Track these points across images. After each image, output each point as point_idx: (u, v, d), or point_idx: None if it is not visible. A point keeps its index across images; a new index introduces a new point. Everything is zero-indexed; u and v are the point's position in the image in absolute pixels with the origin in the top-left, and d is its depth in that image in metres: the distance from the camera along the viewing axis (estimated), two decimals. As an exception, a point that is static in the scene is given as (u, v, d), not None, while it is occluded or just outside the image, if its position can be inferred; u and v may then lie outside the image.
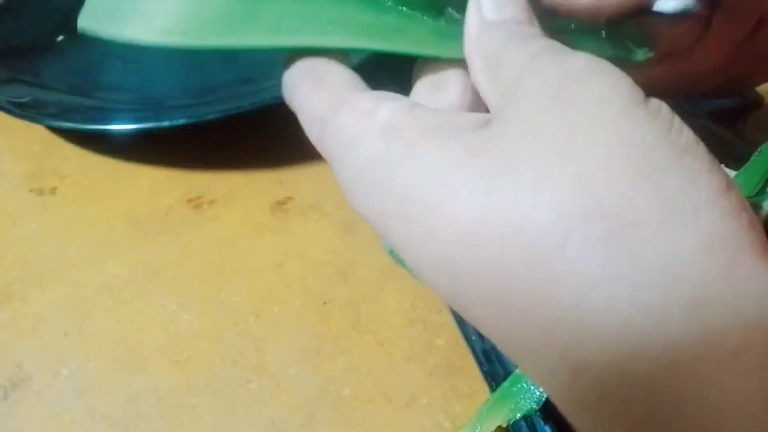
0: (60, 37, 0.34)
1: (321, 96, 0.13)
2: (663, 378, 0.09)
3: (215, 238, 0.26)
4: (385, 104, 0.12)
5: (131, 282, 0.25)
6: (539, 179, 0.11)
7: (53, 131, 0.31)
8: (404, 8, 0.13)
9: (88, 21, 0.13)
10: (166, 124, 0.27)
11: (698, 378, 0.09)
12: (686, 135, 0.11)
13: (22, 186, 0.29)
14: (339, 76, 0.13)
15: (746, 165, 0.20)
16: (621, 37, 0.15)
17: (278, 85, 0.33)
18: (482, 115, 0.12)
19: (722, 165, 0.22)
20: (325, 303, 0.24)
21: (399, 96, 0.13)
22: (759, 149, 0.21)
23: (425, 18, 0.13)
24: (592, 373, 0.10)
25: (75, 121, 0.28)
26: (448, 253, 0.11)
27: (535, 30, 0.13)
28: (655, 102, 0.12)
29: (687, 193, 0.10)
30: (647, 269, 0.10)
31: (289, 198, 0.28)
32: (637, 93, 0.11)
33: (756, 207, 0.19)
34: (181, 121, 0.27)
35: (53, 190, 0.29)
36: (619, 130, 0.11)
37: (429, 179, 0.11)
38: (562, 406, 0.11)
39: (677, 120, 0.11)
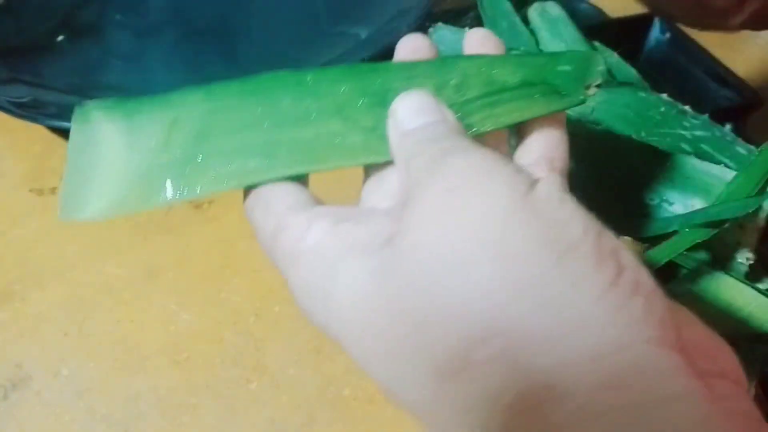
0: (60, 37, 0.34)
1: (269, 220, 0.15)
2: None
3: (215, 238, 0.26)
4: (316, 224, 0.14)
5: (131, 282, 0.25)
6: (440, 299, 0.11)
7: (53, 131, 0.31)
8: (337, 121, 0.14)
9: (67, 212, 0.15)
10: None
11: None
12: (568, 231, 0.11)
13: (22, 186, 0.29)
14: (282, 201, 0.15)
15: (747, 165, 0.20)
16: None
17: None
18: (394, 224, 0.13)
19: (721, 165, 0.22)
20: (325, 303, 0.24)
21: (332, 211, 0.14)
22: (759, 149, 0.21)
23: (359, 127, 0.14)
24: None
25: (75, 121, 0.28)
26: (378, 376, 0.12)
27: (446, 127, 0.14)
28: (539, 192, 0.12)
29: (569, 300, 0.11)
30: (536, 384, 0.10)
31: (289, 198, 0.28)
32: (518, 187, 0.12)
33: (756, 211, 0.19)
34: (181, 121, 0.27)
35: (53, 190, 0.29)
36: (500, 243, 0.11)
37: (349, 305, 0.12)
38: None
39: (562, 212, 0.11)
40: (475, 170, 0.12)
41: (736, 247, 0.20)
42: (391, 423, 0.20)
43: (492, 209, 0.12)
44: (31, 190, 0.29)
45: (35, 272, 0.25)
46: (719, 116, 0.24)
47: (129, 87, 0.31)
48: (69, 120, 0.29)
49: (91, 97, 0.32)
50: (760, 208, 0.19)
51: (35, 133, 0.31)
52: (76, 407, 0.21)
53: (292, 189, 0.15)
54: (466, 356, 0.11)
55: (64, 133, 0.31)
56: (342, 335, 0.13)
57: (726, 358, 0.12)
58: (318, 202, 0.15)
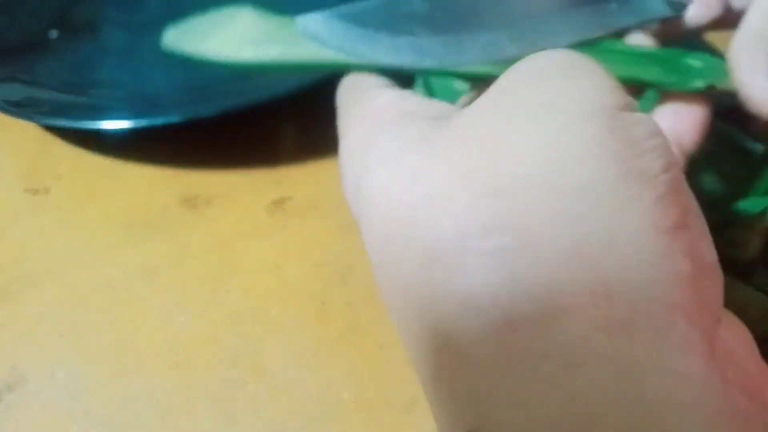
0: (54, 35, 0.34)
1: (354, 93, 0.15)
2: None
3: (212, 239, 0.26)
4: (390, 91, 0.14)
5: (127, 283, 0.24)
6: (454, 182, 0.10)
7: (48, 130, 0.31)
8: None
9: (172, 39, 0.18)
10: (161, 121, 0.26)
11: None
12: (648, 158, 0.10)
13: (16, 186, 0.29)
14: (370, 80, 0.15)
15: (753, 163, 0.20)
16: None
17: (275, 82, 0.33)
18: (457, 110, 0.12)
19: (728, 164, 0.22)
20: (323, 304, 0.23)
21: (411, 93, 0.14)
22: (766, 148, 0.20)
23: None
24: (464, 375, 0.09)
25: (70, 119, 0.28)
26: (377, 245, 0.11)
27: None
28: (633, 115, 0.10)
29: (606, 221, 0.09)
30: (526, 288, 0.09)
31: (287, 198, 0.27)
32: (609, 98, 0.10)
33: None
34: (177, 119, 0.27)
35: (48, 190, 0.28)
36: (556, 131, 0.10)
37: (372, 174, 0.12)
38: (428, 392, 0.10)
39: (650, 141, 0.10)
40: (570, 64, 0.11)
41: (744, 247, 0.19)
42: (391, 427, 0.20)
43: (572, 104, 0.10)
44: (26, 190, 0.29)
45: (30, 273, 0.25)
46: (728, 115, 0.24)
47: (124, 84, 0.31)
48: (63, 118, 0.29)
49: (86, 95, 0.31)
50: (767, 208, 0.18)
51: (30, 131, 0.31)
52: (72, 409, 0.21)
53: (382, 79, 0.15)
54: (460, 244, 0.09)
55: (60, 132, 0.30)
56: (360, 207, 0.12)
57: (758, 377, 0.10)
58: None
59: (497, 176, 0.10)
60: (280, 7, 0.18)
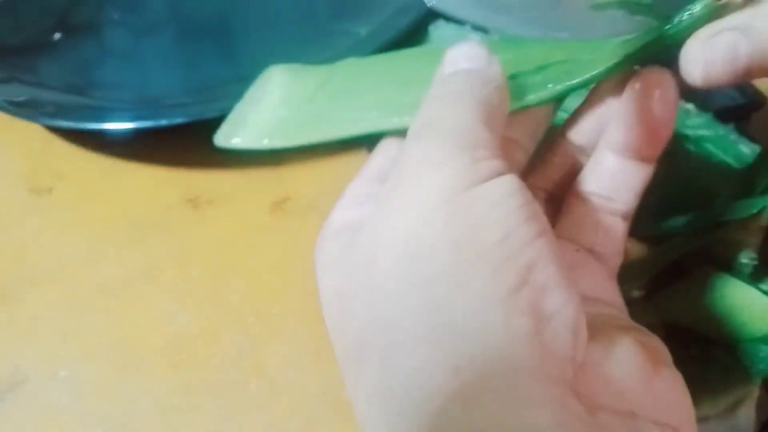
0: (57, 36, 0.34)
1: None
2: None
3: (213, 238, 0.26)
4: (341, 205, 0.15)
5: (129, 282, 0.25)
6: (349, 297, 0.12)
7: (51, 130, 0.31)
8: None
9: (221, 138, 0.19)
10: (164, 122, 0.27)
11: None
12: (485, 232, 0.11)
13: (19, 186, 0.29)
14: (370, 164, 0.15)
15: (749, 164, 0.20)
16: None
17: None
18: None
19: (725, 164, 0.22)
20: (324, 304, 0.23)
21: (363, 193, 0.15)
22: (762, 148, 0.21)
23: None
24: None
25: (72, 119, 0.28)
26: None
27: (473, 78, 0.14)
28: (486, 189, 0.11)
29: (448, 304, 0.10)
30: (399, 387, 0.11)
31: (289, 198, 0.28)
32: (461, 182, 0.11)
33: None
34: (179, 120, 0.27)
35: (50, 190, 0.29)
36: (413, 238, 0.11)
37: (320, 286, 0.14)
38: None
39: (494, 212, 0.11)
40: (427, 159, 0.12)
41: (740, 247, 0.19)
42: (391, 425, 0.20)
43: (419, 204, 0.11)
44: (28, 190, 0.29)
45: (32, 272, 0.25)
46: (723, 115, 0.24)
47: (127, 86, 0.31)
48: (66, 119, 0.29)
49: (89, 96, 0.32)
50: (764, 208, 0.18)
51: (33, 132, 0.31)
52: (73, 409, 0.21)
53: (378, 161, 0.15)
54: (359, 346, 0.11)
55: (62, 132, 0.31)
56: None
57: (643, 397, 0.11)
58: None
59: (375, 278, 0.11)
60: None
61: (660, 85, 0.14)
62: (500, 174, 0.12)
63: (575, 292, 0.11)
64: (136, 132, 0.28)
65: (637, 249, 0.21)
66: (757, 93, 0.27)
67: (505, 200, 0.11)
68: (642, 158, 0.15)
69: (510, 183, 0.12)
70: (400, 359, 0.11)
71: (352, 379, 0.12)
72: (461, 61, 0.14)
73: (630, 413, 0.10)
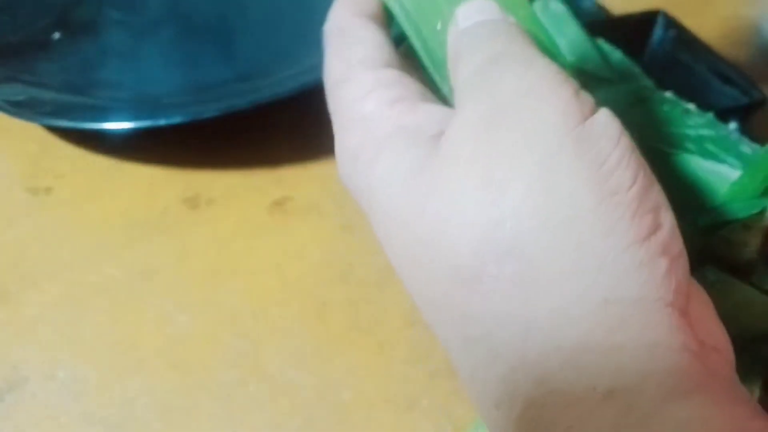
0: (56, 35, 0.34)
1: (337, 65, 0.14)
2: (543, 415, 0.10)
3: (212, 239, 0.26)
4: (377, 93, 0.13)
5: (128, 283, 0.24)
6: (464, 210, 0.11)
7: (49, 130, 0.31)
8: None
9: None
10: (162, 122, 0.27)
11: (569, 422, 0.10)
12: (618, 175, 0.11)
13: (17, 186, 0.29)
14: (360, 47, 0.14)
15: (752, 164, 0.20)
16: None
17: (276, 83, 0.33)
18: (443, 123, 0.13)
19: (726, 164, 0.22)
20: (324, 304, 0.23)
21: (397, 80, 0.14)
22: (764, 148, 0.20)
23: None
24: (493, 396, 0.11)
25: (71, 119, 0.28)
26: (395, 260, 0.13)
27: (506, 27, 0.13)
28: (596, 124, 0.11)
29: (597, 244, 0.11)
30: (541, 314, 0.11)
31: (288, 198, 0.27)
32: (573, 117, 0.11)
33: (760, 215, 0.19)
34: (178, 120, 0.27)
35: (48, 190, 0.28)
36: (542, 169, 0.11)
37: (382, 190, 0.13)
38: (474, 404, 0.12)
39: (616, 152, 0.11)
40: (526, 90, 0.12)
41: (741, 247, 0.19)
42: (391, 426, 0.20)
43: (540, 137, 0.11)
44: (27, 190, 0.29)
45: (31, 273, 0.25)
46: (724, 115, 0.24)
47: (126, 85, 0.31)
48: (65, 118, 0.29)
49: (88, 96, 0.31)
50: (765, 208, 0.18)
51: (31, 132, 0.31)
52: (72, 409, 0.21)
53: (375, 39, 0.14)
54: (480, 267, 0.11)
55: (61, 132, 0.30)
56: (372, 213, 0.13)
57: (720, 334, 0.12)
58: (395, 62, 0.14)
59: (501, 210, 0.11)
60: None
61: None
62: (598, 105, 0.12)
63: (680, 237, 0.12)
64: (135, 132, 0.27)
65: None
66: (760, 92, 0.27)
67: (620, 137, 0.11)
68: None
69: (613, 118, 0.12)
70: (542, 293, 0.11)
71: (454, 306, 0.12)
72: (474, 15, 0.14)
73: (716, 349, 0.11)
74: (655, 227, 0.11)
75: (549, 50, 0.15)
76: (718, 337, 0.12)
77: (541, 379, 0.11)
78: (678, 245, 0.11)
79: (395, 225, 0.12)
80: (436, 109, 0.13)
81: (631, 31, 0.30)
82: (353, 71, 0.14)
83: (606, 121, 0.12)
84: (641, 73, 0.26)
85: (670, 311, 0.11)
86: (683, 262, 0.11)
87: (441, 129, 0.12)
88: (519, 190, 0.11)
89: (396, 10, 0.15)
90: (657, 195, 0.11)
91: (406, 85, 0.14)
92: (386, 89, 0.13)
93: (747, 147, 0.22)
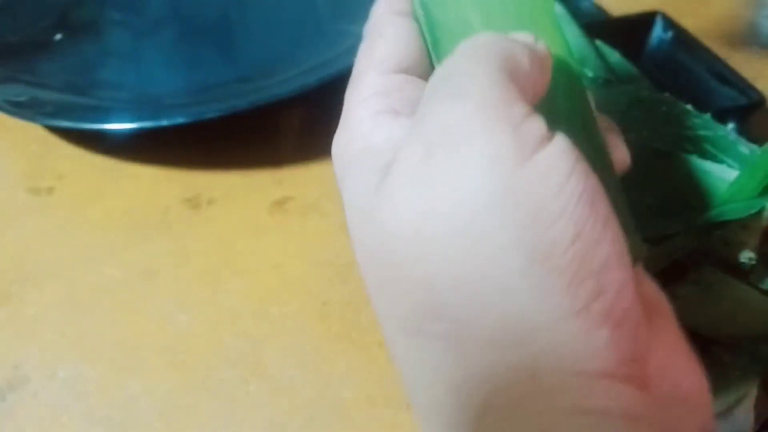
0: (57, 36, 0.34)
1: (360, 59, 0.14)
2: None
3: (213, 239, 0.26)
4: (371, 101, 0.13)
5: (129, 282, 0.25)
6: (399, 260, 0.11)
7: (51, 130, 0.31)
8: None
9: None
10: (164, 123, 0.27)
11: None
12: (556, 230, 0.10)
13: (19, 186, 0.29)
14: (382, 45, 0.14)
15: (749, 165, 0.20)
16: None
17: (277, 84, 0.33)
18: (396, 150, 0.12)
19: (724, 165, 0.22)
20: (324, 304, 0.23)
21: (398, 87, 0.13)
22: (761, 149, 0.21)
23: None
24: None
25: (72, 120, 0.28)
26: (368, 287, 0.12)
27: (493, 45, 0.12)
28: (539, 164, 0.10)
29: (525, 314, 0.10)
30: (472, 378, 0.10)
31: (288, 198, 0.28)
32: (507, 161, 0.10)
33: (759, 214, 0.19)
34: (180, 120, 0.27)
35: (50, 190, 0.29)
36: (467, 224, 0.10)
37: (348, 201, 0.12)
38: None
39: (558, 202, 0.10)
40: (455, 125, 0.10)
41: (740, 247, 0.19)
42: (391, 425, 0.20)
43: (472, 182, 0.10)
44: (28, 190, 0.29)
45: (32, 273, 0.25)
46: (722, 115, 0.24)
47: (127, 86, 0.31)
48: (66, 119, 0.30)
49: (89, 96, 0.31)
50: (763, 208, 0.18)
51: (33, 132, 0.31)
52: (73, 409, 0.21)
53: (400, 37, 0.14)
54: (418, 322, 0.11)
55: (62, 133, 0.31)
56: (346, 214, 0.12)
57: (692, 379, 0.11)
58: (416, 62, 0.13)
59: (432, 268, 0.10)
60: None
61: None
62: (547, 138, 0.10)
63: (635, 283, 0.10)
64: (137, 132, 0.28)
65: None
66: (757, 93, 0.27)
67: (566, 182, 0.10)
68: None
69: (565, 153, 0.10)
70: (471, 360, 0.10)
71: (402, 350, 0.11)
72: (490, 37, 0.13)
73: (684, 399, 0.11)
74: (597, 293, 0.10)
75: (567, 61, 0.14)
76: (688, 383, 0.11)
77: None
78: (625, 304, 0.10)
79: (356, 239, 0.12)
80: (399, 129, 0.12)
81: (629, 32, 0.30)
82: (366, 71, 0.14)
83: (551, 161, 0.10)
84: (639, 74, 0.26)
85: (608, 383, 0.10)
86: (631, 323, 0.10)
87: (388, 161, 0.12)
88: (444, 249, 0.10)
89: (416, 6, 0.15)
90: (607, 251, 0.10)
91: (405, 93, 0.13)
92: (381, 98, 0.13)
93: (745, 147, 0.22)
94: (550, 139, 0.10)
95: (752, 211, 0.18)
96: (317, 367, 0.21)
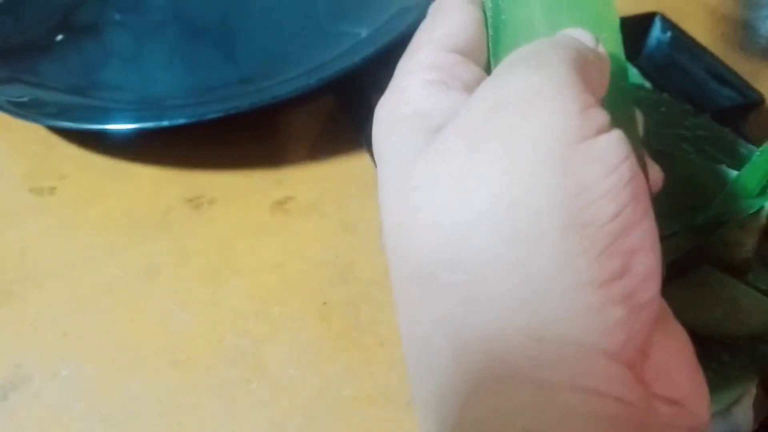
0: (59, 37, 0.34)
1: (417, 36, 0.14)
2: None
3: (214, 238, 0.26)
4: (422, 72, 0.13)
5: (130, 282, 0.25)
6: (433, 209, 0.11)
7: (52, 131, 0.31)
8: None
9: None
10: (165, 123, 0.27)
11: None
12: (598, 206, 0.10)
13: (21, 186, 0.29)
14: (442, 26, 0.14)
15: (747, 165, 0.20)
16: None
17: (277, 84, 0.33)
18: (447, 116, 0.12)
19: (723, 165, 0.22)
20: (325, 303, 0.24)
21: (452, 66, 0.13)
22: (760, 149, 0.21)
23: None
24: (430, 408, 0.11)
25: (74, 120, 0.28)
26: (384, 236, 0.12)
27: (567, 43, 0.12)
28: (595, 147, 0.10)
29: (548, 275, 0.10)
30: (476, 334, 0.10)
31: (289, 198, 0.28)
32: (570, 134, 0.10)
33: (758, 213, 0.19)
34: (181, 121, 0.27)
35: (52, 190, 0.29)
36: (515, 182, 0.10)
37: (383, 167, 0.12)
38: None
39: (606, 182, 0.10)
40: (530, 92, 0.11)
41: (738, 247, 0.20)
42: (391, 423, 0.20)
43: (526, 147, 0.10)
44: (30, 190, 0.29)
45: (34, 272, 0.25)
46: (721, 116, 0.24)
47: (129, 86, 0.31)
48: (68, 119, 0.30)
49: (91, 97, 0.31)
50: (762, 208, 0.19)
51: (34, 133, 0.31)
52: (74, 408, 0.21)
53: (461, 19, 0.14)
54: (434, 271, 0.11)
55: (64, 133, 0.31)
56: (378, 180, 0.13)
57: (689, 387, 0.11)
58: (473, 45, 0.14)
59: (464, 217, 0.11)
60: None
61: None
62: (609, 128, 0.11)
63: (660, 284, 0.11)
64: (138, 133, 0.28)
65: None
66: (756, 93, 0.27)
67: (618, 166, 0.10)
68: None
69: (621, 144, 0.11)
70: (482, 313, 0.10)
71: (410, 300, 0.11)
72: (569, 33, 0.13)
73: (676, 402, 0.11)
74: (622, 272, 0.10)
75: (622, 68, 0.15)
76: (685, 390, 0.11)
77: (466, 403, 0.10)
78: (648, 295, 0.10)
79: (385, 204, 0.12)
80: (462, 100, 0.13)
81: (628, 33, 0.30)
82: (423, 45, 0.14)
83: (608, 146, 0.10)
84: (639, 75, 0.26)
85: (608, 362, 0.10)
86: (647, 314, 0.10)
87: (439, 124, 0.12)
88: (485, 200, 0.10)
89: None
90: (641, 237, 0.10)
91: (456, 72, 0.13)
92: (433, 70, 0.13)
93: (743, 148, 0.22)
94: (609, 130, 0.11)
95: (751, 212, 0.18)
96: (317, 366, 0.21)
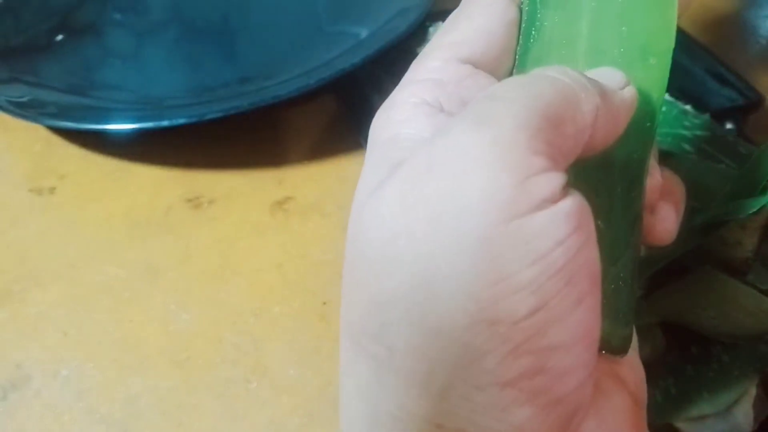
0: (59, 37, 0.34)
1: (437, 37, 0.13)
2: None
3: (215, 238, 0.26)
4: (416, 86, 0.12)
5: (131, 282, 0.25)
6: (364, 265, 0.10)
7: (53, 131, 0.31)
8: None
9: None
10: (165, 123, 0.27)
11: None
12: (513, 300, 0.09)
13: (21, 186, 0.29)
14: (460, 29, 0.13)
15: (747, 164, 0.20)
16: None
17: (277, 84, 0.33)
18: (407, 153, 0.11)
19: (723, 165, 0.22)
20: (325, 303, 0.24)
21: (451, 81, 0.12)
22: (759, 149, 0.21)
23: None
24: None
25: (74, 120, 0.28)
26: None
27: (571, 80, 0.11)
28: (527, 228, 0.09)
29: (451, 371, 0.09)
30: (384, 411, 0.10)
31: (289, 198, 0.28)
32: (498, 211, 0.09)
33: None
34: (181, 121, 0.27)
35: (52, 190, 0.29)
36: (429, 263, 0.09)
37: (356, 193, 0.12)
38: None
39: (528, 272, 0.09)
40: (463, 157, 0.09)
41: (738, 247, 0.20)
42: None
43: (455, 218, 0.09)
44: (30, 190, 0.29)
45: (34, 272, 0.25)
46: (721, 116, 0.24)
47: (129, 86, 0.31)
48: (68, 119, 0.30)
49: (91, 97, 0.32)
50: (762, 208, 0.19)
51: (35, 132, 0.31)
52: (75, 407, 0.21)
53: (482, 24, 0.12)
54: (358, 337, 0.10)
55: (64, 133, 0.31)
56: None
57: None
58: (494, 51, 0.13)
59: (381, 295, 0.10)
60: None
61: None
62: (552, 201, 0.09)
63: (593, 368, 0.10)
64: (138, 133, 0.28)
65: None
66: (756, 93, 0.27)
67: (548, 254, 0.09)
68: None
69: (561, 223, 0.09)
70: (390, 392, 0.10)
71: (344, 353, 0.11)
72: (599, 75, 0.12)
73: None
74: (534, 372, 0.09)
75: (652, 109, 0.13)
76: None
77: None
78: (567, 389, 0.10)
79: (349, 227, 0.11)
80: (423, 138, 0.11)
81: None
82: (434, 51, 0.13)
83: (544, 226, 0.09)
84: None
85: None
86: (566, 406, 0.10)
87: (400, 161, 0.11)
88: (401, 280, 0.09)
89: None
90: (564, 332, 0.09)
91: (461, 88, 0.12)
92: (433, 86, 0.12)
93: (743, 147, 0.22)
94: (557, 201, 0.09)
95: (751, 211, 0.18)
96: (318, 366, 0.22)
